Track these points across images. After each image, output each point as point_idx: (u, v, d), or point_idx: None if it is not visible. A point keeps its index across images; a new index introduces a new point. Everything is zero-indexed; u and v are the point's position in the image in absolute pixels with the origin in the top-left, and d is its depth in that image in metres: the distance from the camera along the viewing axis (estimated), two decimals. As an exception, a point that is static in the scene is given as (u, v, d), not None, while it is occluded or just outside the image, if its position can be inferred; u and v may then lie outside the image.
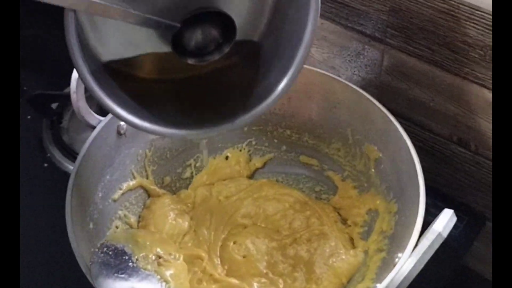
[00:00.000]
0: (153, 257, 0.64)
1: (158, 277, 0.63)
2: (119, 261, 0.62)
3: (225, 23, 0.54)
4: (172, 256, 0.66)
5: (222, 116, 0.56)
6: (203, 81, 0.58)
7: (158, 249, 0.65)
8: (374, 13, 0.72)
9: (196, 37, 0.54)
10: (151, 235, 0.67)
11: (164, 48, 0.54)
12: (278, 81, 0.55)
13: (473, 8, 0.63)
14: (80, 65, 0.48)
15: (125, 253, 0.63)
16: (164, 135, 0.56)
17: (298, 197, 0.76)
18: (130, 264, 0.63)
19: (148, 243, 0.65)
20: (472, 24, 0.64)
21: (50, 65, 1.00)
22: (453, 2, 0.64)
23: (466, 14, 0.64)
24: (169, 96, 0.58)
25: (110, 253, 0.62)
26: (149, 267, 0.63)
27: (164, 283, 0.63)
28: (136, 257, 0.64)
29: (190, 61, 0.55)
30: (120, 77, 0.54)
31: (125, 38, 0.53)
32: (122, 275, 0.61)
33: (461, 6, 0.64)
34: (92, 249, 0.61)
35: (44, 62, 1.00)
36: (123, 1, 0.48)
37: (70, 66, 0.66)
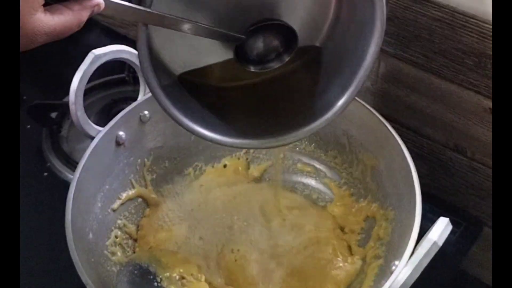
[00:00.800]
0: (177, 277, 0.64)
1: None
2: (145, 281, 0.63)
3: (287, 32, 0.55)
4: (194, 277, 0.66)
5: (281, 126, 0.57)
6: (265, 88, 0.59)
7: (181, 269, 0.65)
8: (370, 21, 0.72)
9: (257, 46, 0.55)
10: (173, 255, 0.68)
11: (226, 55, 0.55)
12: (338, 97, 0.55)
13: (467, 16, 0.63)
14: (150, 77, 0.50)
15: (149, 272, 0.64)
16: (230, 146, 0.57)
17: (296, 202, 0.75)
18: (155, 284, 0.63)
19: (170, 263, 0.65)
20: (467, 32, 0.64)
21: (49, 74, 1.00)
22: (447, 10, 0.65)
23: (461, 22, 0.64)
24: (233, 103, 0.59)
25: (136, 272, 0.63)
26: (172, 287, 0.63)
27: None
28: (160, 276, 0.64)
29: (252, 68, 0.56)
30: (187, 86, 0.56)
31: (190, 46, 0.54)
32: (148, 295, 0.62)
33: (455, 14, 0.64)
34: (119, 267, 0.63)
35: (43, 72, 1.01)
36: (190, 14, 0.50)
37: (68, 75, 0.66)
